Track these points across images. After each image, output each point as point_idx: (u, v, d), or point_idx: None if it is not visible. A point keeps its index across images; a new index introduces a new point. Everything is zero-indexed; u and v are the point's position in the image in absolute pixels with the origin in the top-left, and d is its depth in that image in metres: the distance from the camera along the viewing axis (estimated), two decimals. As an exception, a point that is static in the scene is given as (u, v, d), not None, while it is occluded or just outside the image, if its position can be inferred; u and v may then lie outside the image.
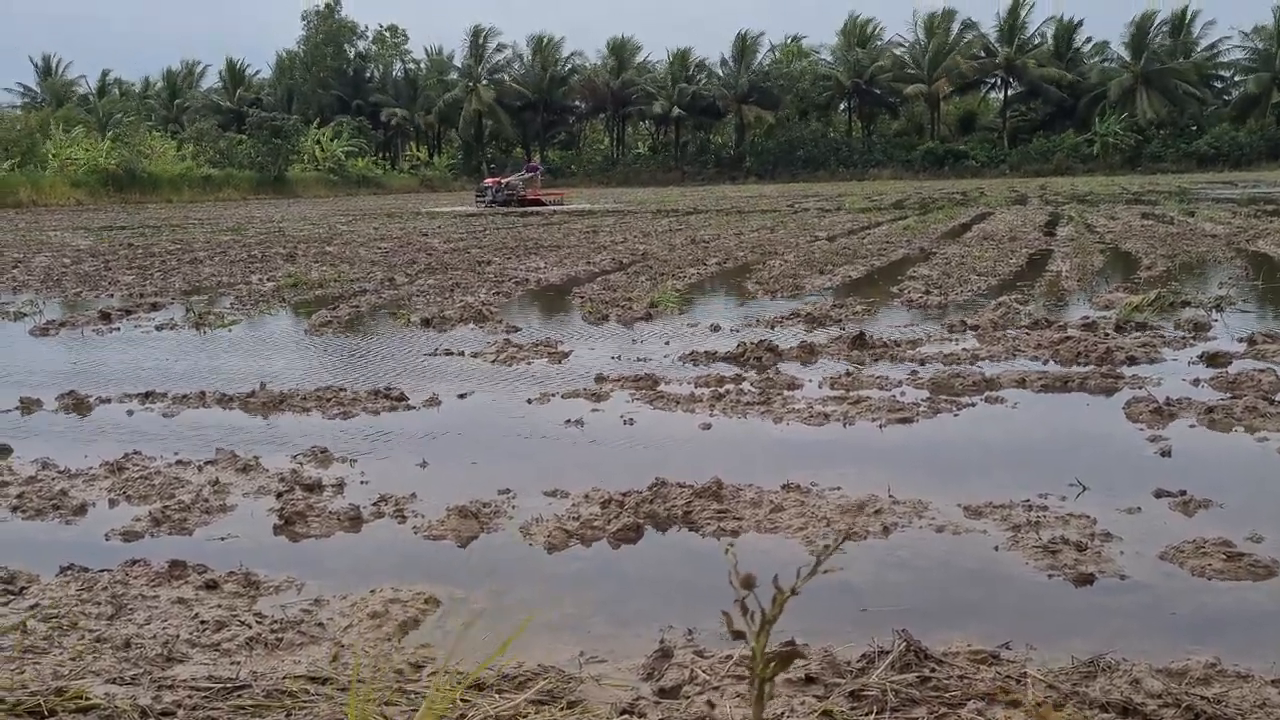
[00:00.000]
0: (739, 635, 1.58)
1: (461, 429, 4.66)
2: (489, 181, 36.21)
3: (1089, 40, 72.44)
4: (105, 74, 79.27)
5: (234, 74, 78.73)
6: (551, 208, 33.20)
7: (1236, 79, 69.82)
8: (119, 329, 8.07)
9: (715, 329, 7.30)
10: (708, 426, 4.58)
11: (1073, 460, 3.91)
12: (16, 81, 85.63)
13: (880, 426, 4.51)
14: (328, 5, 75.01)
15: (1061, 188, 40.58)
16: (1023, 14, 70.78)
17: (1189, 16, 68.83)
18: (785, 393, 5.12)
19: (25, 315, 8.98)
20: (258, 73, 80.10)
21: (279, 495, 3.68)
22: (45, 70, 77.47)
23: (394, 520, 3.46)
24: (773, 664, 1.59)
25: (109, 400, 5.34)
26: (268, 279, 11.53)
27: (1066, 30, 71.52)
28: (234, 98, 76.35)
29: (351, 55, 77.31)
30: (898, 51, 73.18)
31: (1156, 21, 68.29)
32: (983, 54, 71.35)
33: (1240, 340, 6.24)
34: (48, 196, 40.74)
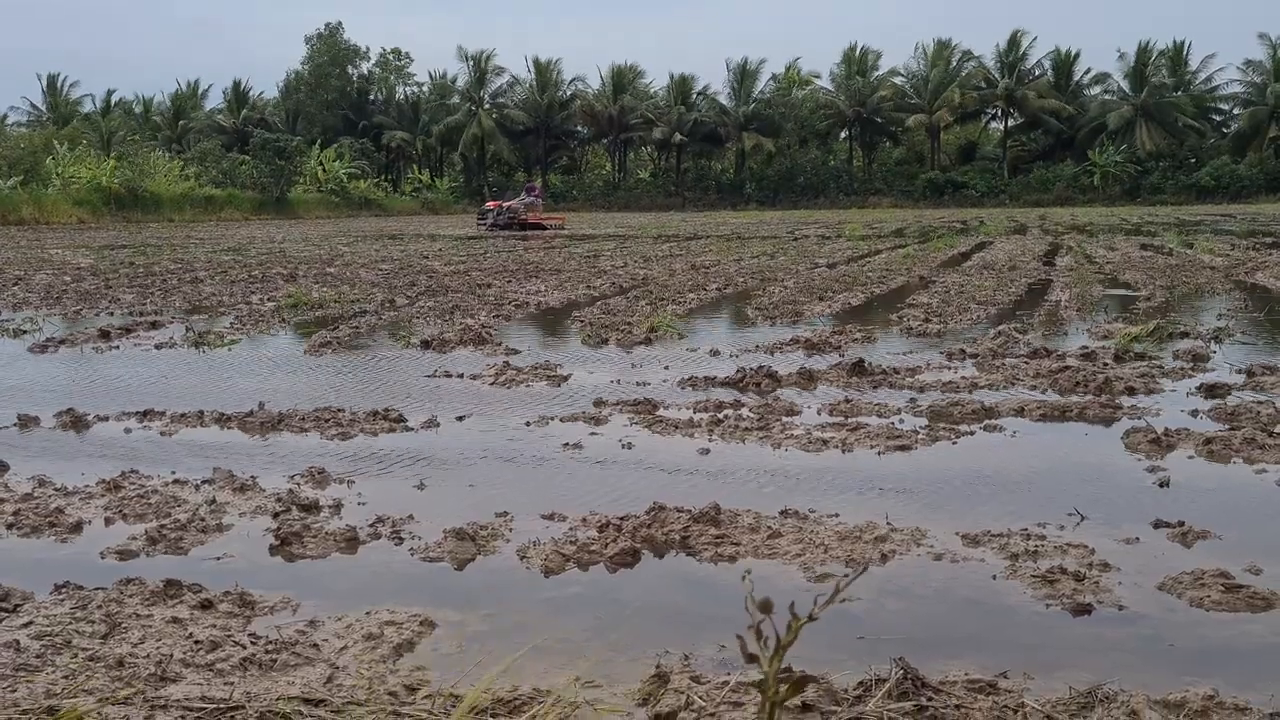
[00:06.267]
0: (753, 659, 1.58)
1: (460, 451, 4.65)
2: (490, 204, 36.34)
3: (1088, 72, 72.91)
4: (110, 93, 79.58)
5: (238, 95, 79.09)
6: (552, 231, 33.30)
7: (1235, 112, 70.20)
8: (118, 347, 8.07)
9: (715, 354, 7.30)
10: (706, 451, 4.58)
11: (1071, 490, 3.91)
12: (22, 96, 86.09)
13: (879, 454, 4.50)
14: (329, 26, 75.52)
15: (1061, 218, 40.73)
16: (1023, 46, 71.31)
17: (1186, 49, 69.32)
18: (784, 419, 5.11)
19: (25, 332, 8.99)
20: (261, 93, 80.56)
21: (276, 515, 3.67)
22: (51, 88, 77.80)
23: (391, 542, 3.45)
24: (785, 689, 1.58)
25: (107, 418, 5.34)
26: (268, 299, 11.55)
27: (1066, 62, 71.97)
28: (238, 118, 76.67)
29: (355, 78, 77.70)
30: (898, 81, 73.61)
31: (1155, 54, 68.70)
32: (983, 85, 71.76)
33: (1239, 372, 6.24)
34: (50, 214, 40.82)
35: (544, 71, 77.09)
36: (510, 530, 3.52)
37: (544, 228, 34.20)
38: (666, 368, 6.78)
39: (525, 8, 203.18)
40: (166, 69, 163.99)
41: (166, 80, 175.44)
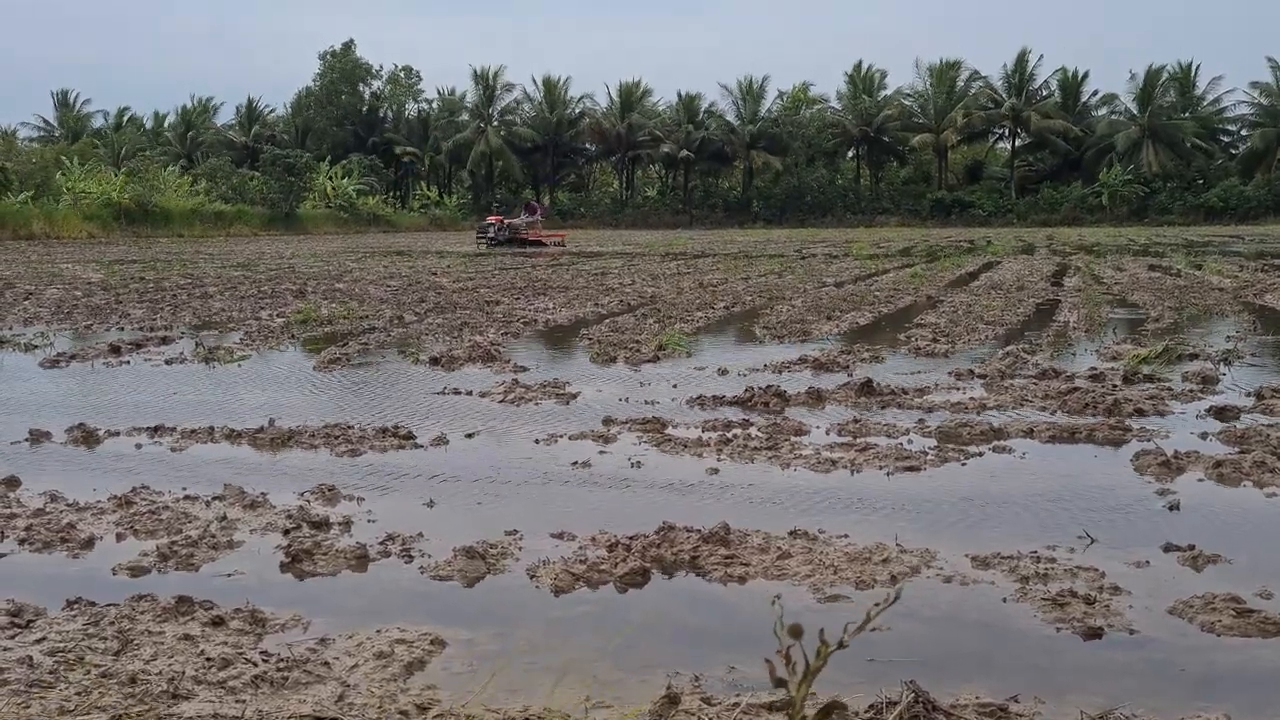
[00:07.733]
0: (781, 683, 1.58)
1: (469, 469, 4.66)
2: (492, 219, 36.39)
3: (1096, 93, 73.01)
4: (123, 111, 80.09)
5: (250, 111, 79.54)
6: (553, 248, 33.45)
7: (1243, 133, 70.19)
8: (129, 362, 8.11)
9: (723, 373, 7.31)
10: (715, 471, 4.58)
11: (1080, 512, 3.91)
12: (34, 113, 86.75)
13: (888, 474, 4.50)
14: (344, 45, 76.12)
15: (1069, 238, 40.71)
16: (1030, 65, 71.46)
17: (1194, 71, 69.40)
18: (792, 439, 5.12)
19: (36, 347, 9.03)
20: (272, 110, 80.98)
21: (286, 532, 3.68)
22: (63, 104, 78.36)
23: (401, 560, 3.46)
24: (816, 713, 1.59)
25: (118, 434, 5.36)
26: (277, 315, 11.59)
27: (1073, 83, 72.07)
28: (249, 134, 77.08)
29: (366, 95, 78.11)
30: (905, 101, 73.80)
31: (1164, 76, 68.79)
32: (990, 105, 71.89)
33: (1249, 394, 6.23)
34: (60, 229, 41.00)
35: (553, 89, 77.43)
36: (520, 549, 3.53)
37: (544, 245, 34.35)
38: (675, 386, 6.79)
39: (525, 7, 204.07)
40: (167, 74, 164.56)
41: (167, 86, 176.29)
